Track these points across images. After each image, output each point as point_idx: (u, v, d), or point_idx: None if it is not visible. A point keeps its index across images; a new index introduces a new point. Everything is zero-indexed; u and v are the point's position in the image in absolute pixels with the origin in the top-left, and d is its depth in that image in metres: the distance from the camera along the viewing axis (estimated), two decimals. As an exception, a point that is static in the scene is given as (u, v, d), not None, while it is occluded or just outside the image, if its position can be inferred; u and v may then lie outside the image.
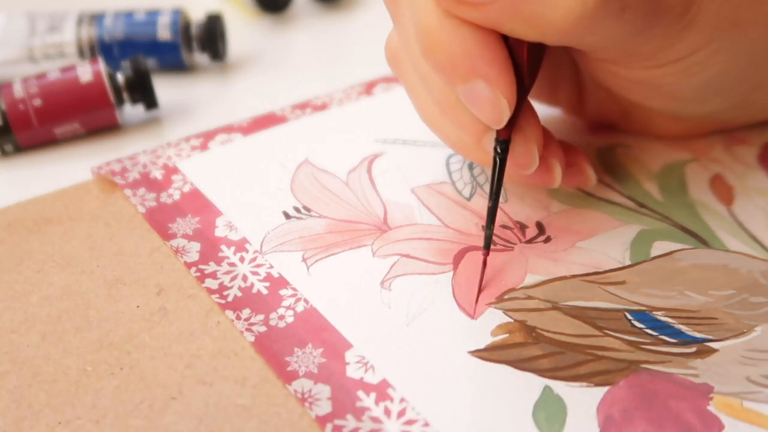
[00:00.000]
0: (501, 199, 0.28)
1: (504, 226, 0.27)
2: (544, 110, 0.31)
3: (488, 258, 0.25)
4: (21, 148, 0.33)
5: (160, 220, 0.28)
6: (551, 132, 0.27)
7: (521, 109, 0.24)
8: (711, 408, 0.21)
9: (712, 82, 0.26)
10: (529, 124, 0.24)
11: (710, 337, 0.23)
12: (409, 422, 0.21)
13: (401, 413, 0.21)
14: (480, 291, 0.25)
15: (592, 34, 0.22)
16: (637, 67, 0.25)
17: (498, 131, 0.24)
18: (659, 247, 0.26)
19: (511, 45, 0.22)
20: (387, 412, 0.21)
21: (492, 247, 0.26)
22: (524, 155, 0.24)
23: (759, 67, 0.26)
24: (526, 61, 0.23)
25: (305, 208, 0.28)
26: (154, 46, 0.38)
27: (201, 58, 0.40)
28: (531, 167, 0.25)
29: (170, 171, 0.31)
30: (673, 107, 0.28)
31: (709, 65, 0.25)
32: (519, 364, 0.22)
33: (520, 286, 0.25)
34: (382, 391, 0.22)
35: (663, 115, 0.30)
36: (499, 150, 0.24)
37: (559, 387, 0.22)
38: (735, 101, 0.28)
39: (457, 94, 0.23)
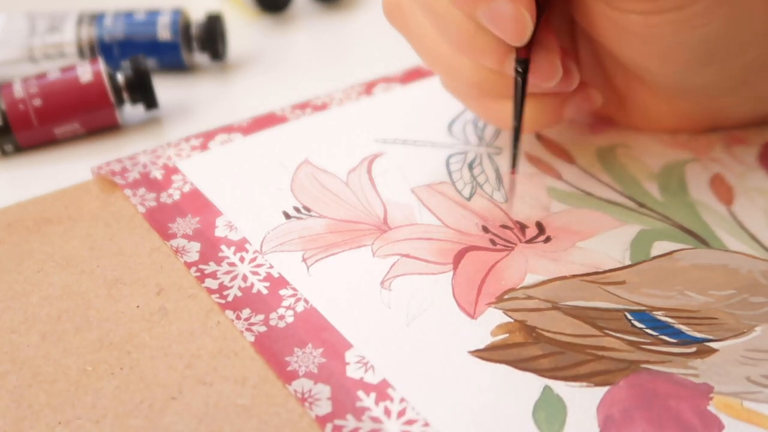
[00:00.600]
0: (500, 200, 0.28)
1: (504, 226, 0.27)
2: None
3: (487, 258, 0.25)
4: (21, 148, 0.33)
5: (160, 220, 0.28)
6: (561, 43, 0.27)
7: (539, 27, 0.25)
8: (711, 408, 0.21)
9: (707, 43, 0.26)
10: (547, 39, 0.25)
11: (710, 337, 0.23)
12: (409, 422, 0.21)
13: (401, 413, 0.21)
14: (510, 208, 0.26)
15: None
16: (634, 11, 0.25)
17: (518, 51, 0.25)
18: (659, 247, 0.26)
19: None
20: (387, 412, 0.21)
21: (491, 247, 0.26)
22: (548, 68, 0.26)
23: (754, 39, 0.26)
24: None
25: (305, 208, 0.28)
26: (154, 46, 0.38)
27: (201, 58, 0.40)
28: (556, 78, 0.26)
29: (170, 171, 0.31)
30: (668, 71, 0.28)
31: (707, 21, 0.25)
32: (519, 364, 0.22)
33: (520, 286, 0.25)
34: (382, 391, 0.22)
35: (659, 102, 0.30)
36: (520, 69, 0.25)
37: (559, 387, 0.22)
38: (730, 75, 0.28)
39: (478, 19, 0.24)
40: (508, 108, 0.27)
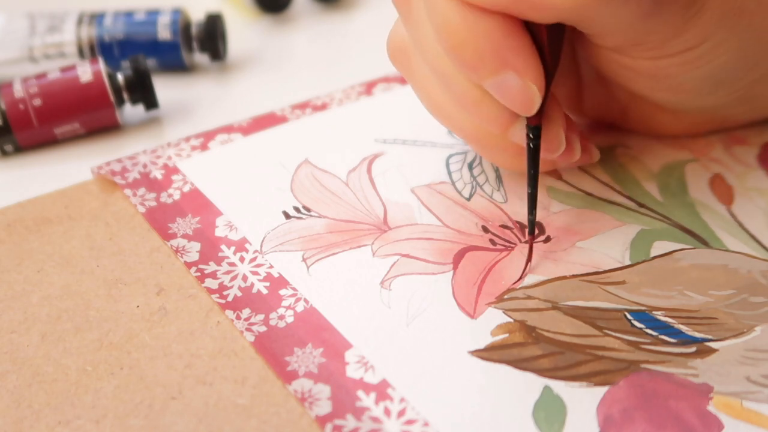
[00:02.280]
0: (500, 200, 0.28)
1: (504, 226, 0.27)
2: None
3: (487, 257, 0.25)
4: (21, 148, 0.33)
5: (160, 219, 0.28)
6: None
7: (548, 96, 0.24)
8: (711, 408, 0.21)
9: (717, 74, 0.26)
10: (552, 109, 0.25)
11: (710, 337, 0.23)
12: (409, 422, 0.21)
13: (401, 413, 0.21)
14: (524, 275, 0.25)
15: (598, 15, 0.22)
16: (644, 57, 0.25)
17: (529, 119, 0.24)
18: (659, 247, 0.26)
19: (531, 31, 0.23)
20: (387, 412, 0.21)
21: (491, 247, 0.26)
22: (553, 140, 0.25)
23: (763, 59, 0.26)
24: (548, 46, 0.23)
25: (305, 208, 0.28)
26: (154, 46, 0.38)
27: (201, 58, 0.40)
28: (559, 150, 0.26)
29: (170, 171, 0.31)
30: (677, 100, 0.28)
31: (716, 56, 0.25)
32: (519, 364, 0.22)
33: (520, 286, 0.25)
34: (382, 391, 0.22)
35: (662, 113, 0.30)
36: (532, 136, 0.25)
37: (559, 387, 0.22)
38: (738, 94, 0.28)
39: (485, 88, 0.23)
40: (507, 158, 0.27)
